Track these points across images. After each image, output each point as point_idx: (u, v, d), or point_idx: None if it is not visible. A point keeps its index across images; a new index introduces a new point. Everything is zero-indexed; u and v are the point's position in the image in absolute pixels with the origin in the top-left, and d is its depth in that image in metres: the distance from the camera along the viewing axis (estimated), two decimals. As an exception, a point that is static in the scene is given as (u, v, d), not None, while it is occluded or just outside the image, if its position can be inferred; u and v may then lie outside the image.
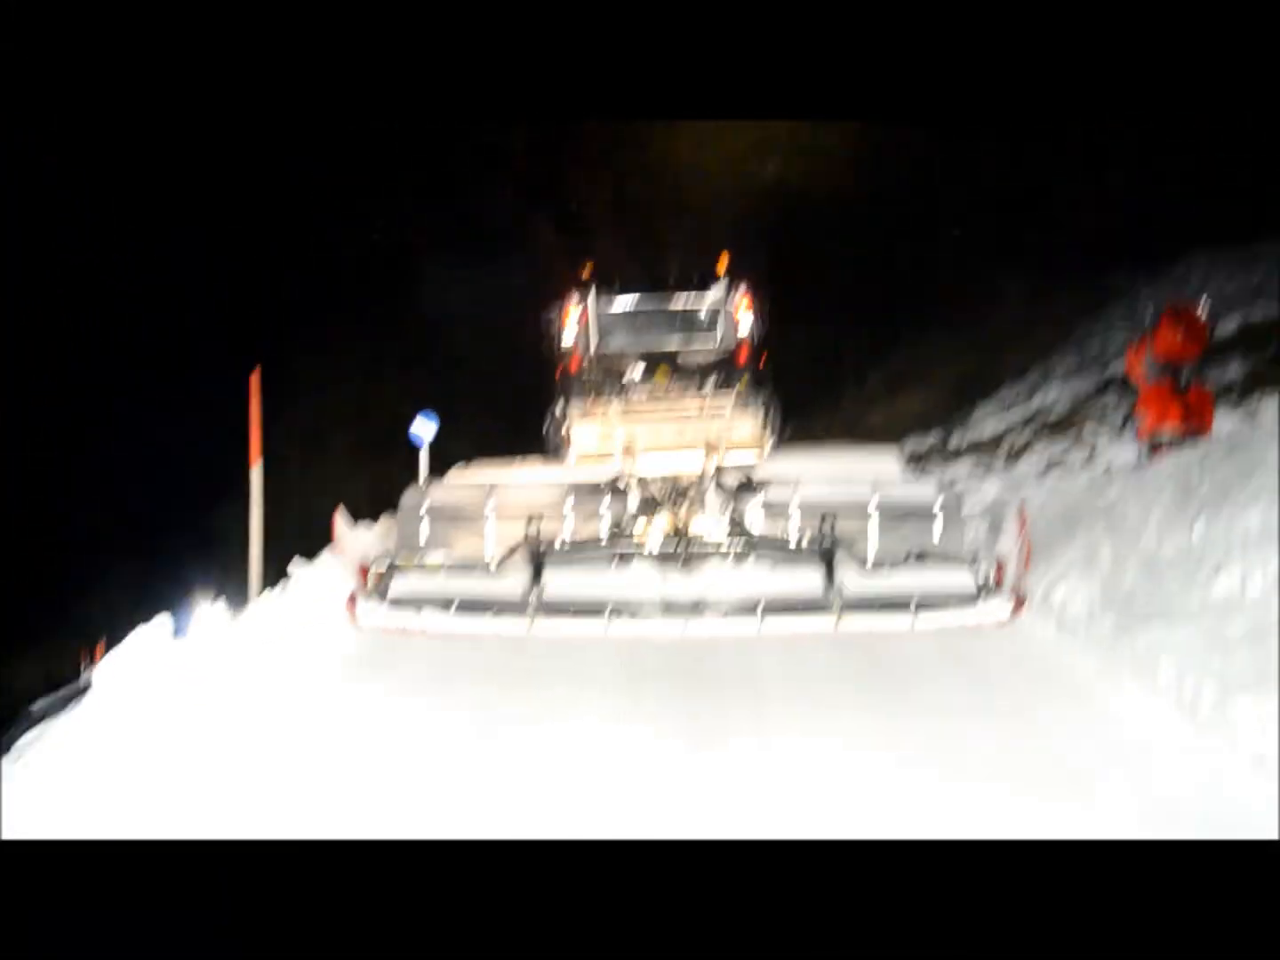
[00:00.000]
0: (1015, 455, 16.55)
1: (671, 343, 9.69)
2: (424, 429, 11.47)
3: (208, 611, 6.08)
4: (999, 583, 6.96)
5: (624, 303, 9.80)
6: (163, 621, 5.51)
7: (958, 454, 18.11)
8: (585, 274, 9.66)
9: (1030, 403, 18.00)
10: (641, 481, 8.18)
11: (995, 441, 17.71)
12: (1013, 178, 24.53)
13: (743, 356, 9.58)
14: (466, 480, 8.31)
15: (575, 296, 9.61)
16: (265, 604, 6.76)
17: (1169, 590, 5.02)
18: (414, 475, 11.27)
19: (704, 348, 9.63)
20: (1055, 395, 17.50)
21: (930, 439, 20.94)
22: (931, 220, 27.71)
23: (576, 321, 9.57)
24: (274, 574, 7.80)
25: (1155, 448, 9.80)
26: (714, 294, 9.75)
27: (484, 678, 5.85)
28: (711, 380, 9.45)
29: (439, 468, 9.99)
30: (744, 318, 9.71)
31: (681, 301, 9.79)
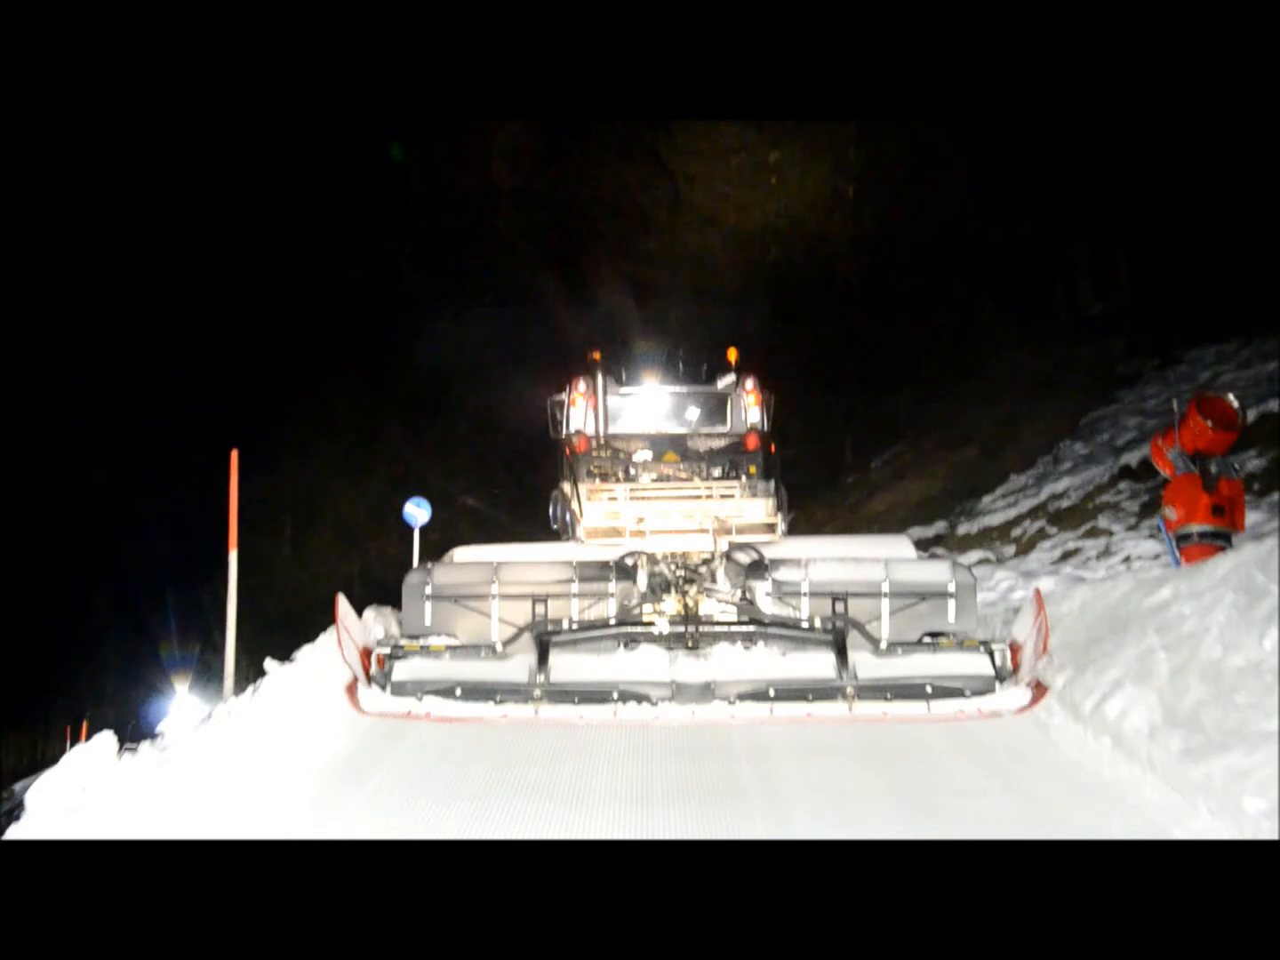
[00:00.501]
0: (1027, 545, 16.10)
1: (679, 430, 9.89)
2: (417, 513, 11.23)
3: (178, 713, 5.51)
4: (1015, 668, 6.88)
5: (632, 389, 10.04)
6: (104, 741, 4.99)
7: (966, 544, 17.64)
8: (593, 358, 9.80)
9: (1039, 492, 17.60)
10: (650, 560, 8.11)
11: (1004, 530, 17.28)
12: (1018, 264, 24.43)
13: (750, 445, 9.81)
14: (471, 559, 8.24)
15: (582, 381, 9.77)
16: (237, 707, 6.18)
17: (1240, 708, 4.55)
18: (407, 562, 10.99)
19: (711, 436, 9.84)
20: (1065, 484, 17.10)
21: (935, 528, 20.55)
22: (934, 306, 27.64)
23: (584, 405, 9.73)
24: (257, 665, 7.28)
25: (1183, 542, 9.33)
26: (722, 385, 9.99)
27: (481, 783, 5.38)
28: (720, 467, 9.69)
29: (433, 555, 9.73)
30: (751, 410, 9.94)
31: (690, 391, 10.06)
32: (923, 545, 20.13)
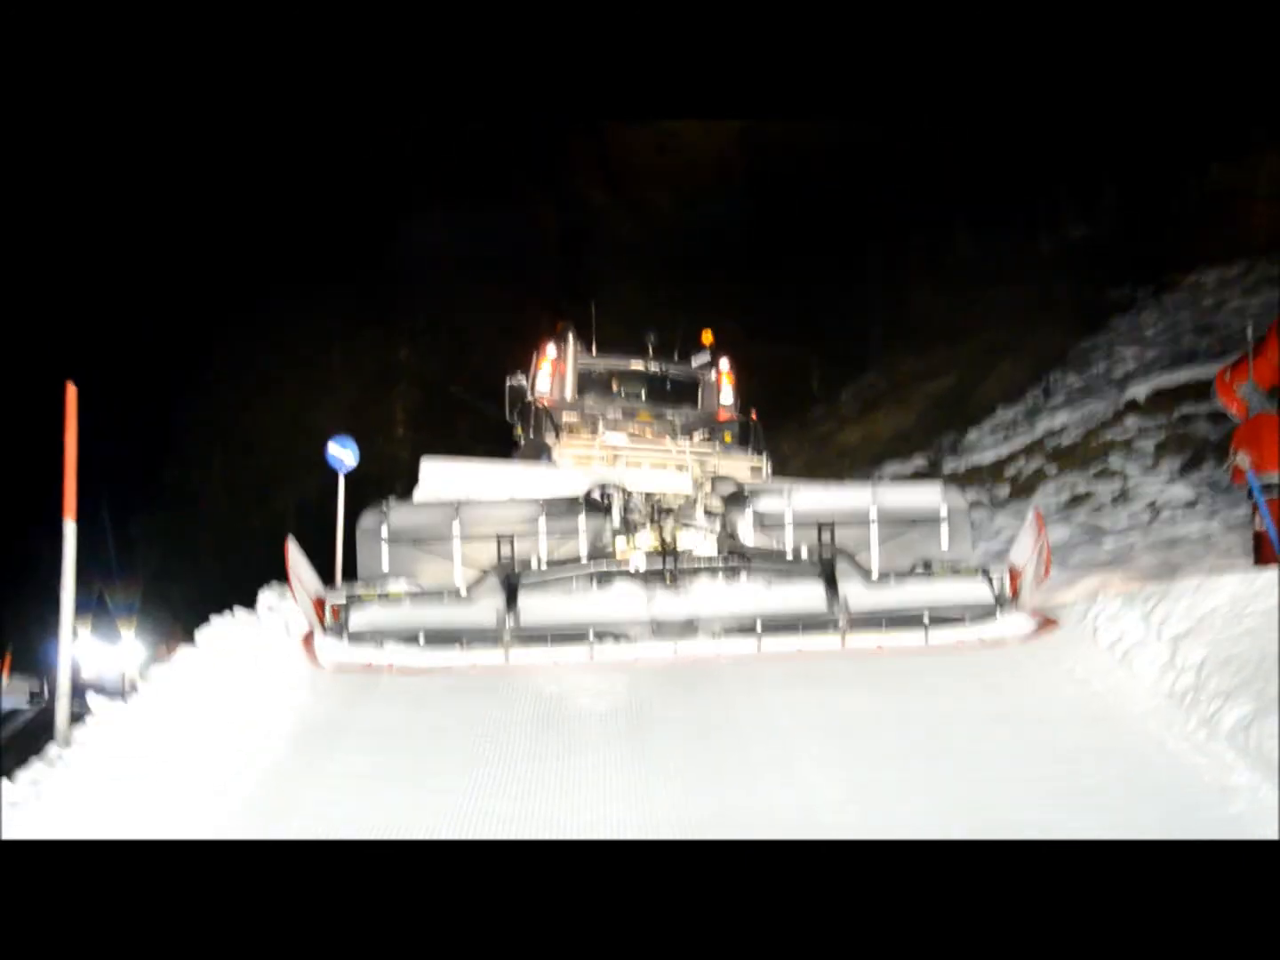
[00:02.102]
0: (1024, 487, 14.74)
1: (650, 407, 9.69)
2: (341, 454, 9.58)
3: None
4: (1014, 594, 6.51)
5: (603, 362, 9.93)
6: None
7: (955, 483, 16.24)
8: (559, 329, 9.65)
9: (1033, 427, 16.21)
10: (623, 494, 7.74)
11: (997, 470, 15.91)
12: (1000, 179, 22.86)
13: (721, 417, 9.63)
14: (439, 472, 7.86)
15: (551, 347, 9.57)
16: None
17: None
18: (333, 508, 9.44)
19: (682, 411, 9.62)
20: (1063, 420, 15.71)
21: (914, 464, 19.17)
22: (906, 225, 26.05)
23: (550, 373, 9.50)
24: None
25: (1266, 493, 7.91)
26: (696, 366, 9.87)
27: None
28: (696, 432, 9.34)
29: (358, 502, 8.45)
30: (725, 391, 9.79)
31: (662, 368, 9.92)
32: (904, 479, 18.80)
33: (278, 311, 29.32)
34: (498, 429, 10.65)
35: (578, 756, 4.25)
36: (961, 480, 16.27)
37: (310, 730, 4.70)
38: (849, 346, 24.40)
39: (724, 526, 7.42)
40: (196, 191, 25.84)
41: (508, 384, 9.93)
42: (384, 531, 6.92)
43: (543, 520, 7.01)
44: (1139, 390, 14.88)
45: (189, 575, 31.66)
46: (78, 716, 4.61)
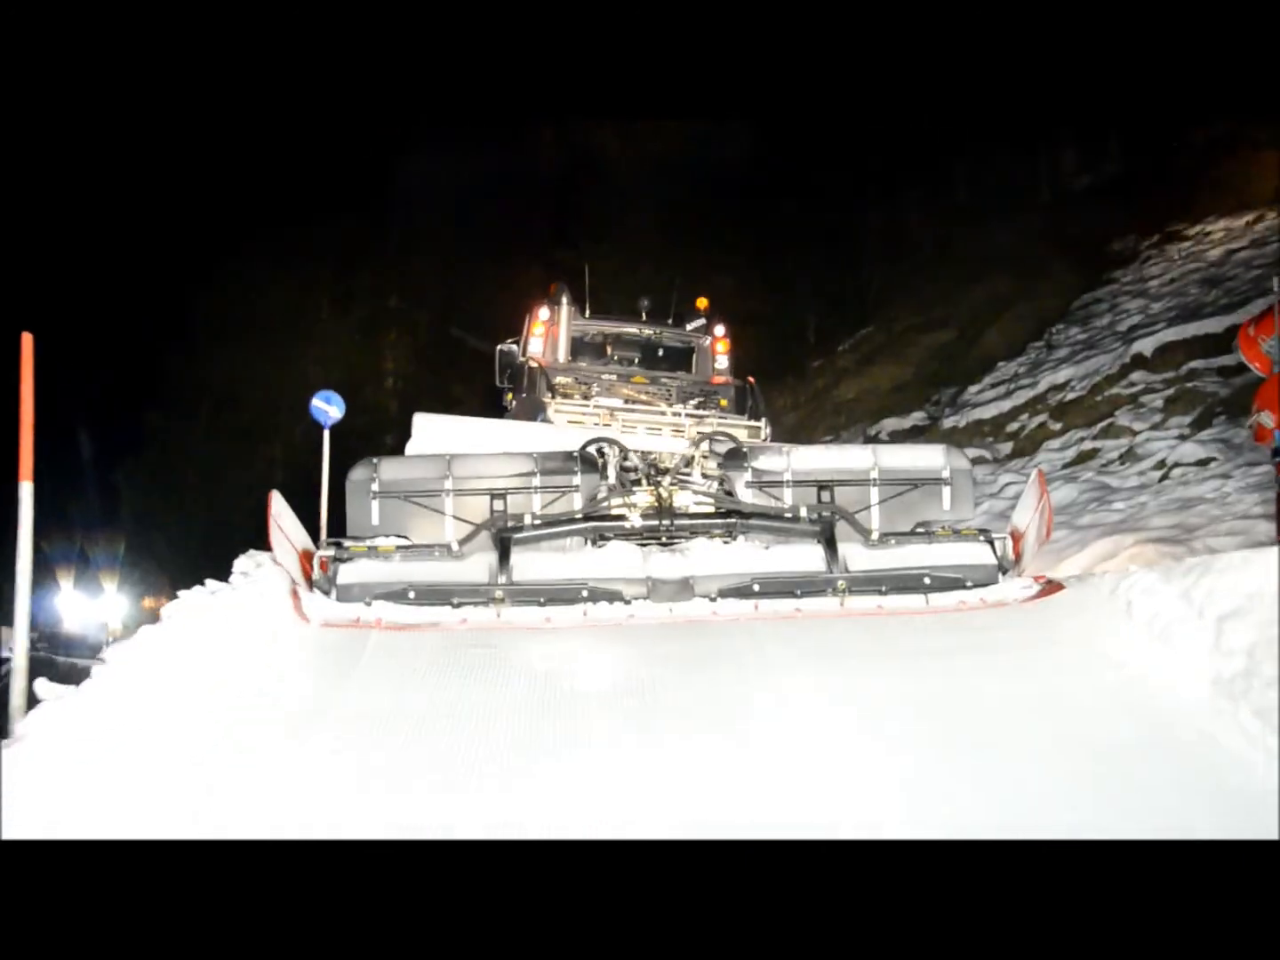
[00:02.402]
0: (1028, 443, 14.44)
1: (644, 368, 9.59)
2: (327, 409, 9.26)
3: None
4: (1017, 557, 6.42)
5: (597, 325, 9.82)
6: None
7: (955, 439, 15.93)
8: (552, 290, 9.50)
9: (1036, 382, 15.89)
10: (620, 450, 7.58)
11: (998, 425, 15.61)
12: (1000, 129, 22.35)
13: (715, 383, 9.54)
14: (432, 428, 7.76)
15: (544, 308, 9.46)
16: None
17: None
18: (317, 464, 9.13)
19: (677, 377, 9.53)
20: (1067, 375, 15.38)
21: (912, 419, 18.88)
22: (902, 178, 25.57)
23: (543, 335, 9.40)
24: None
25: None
26: (690, 330, 9.83)
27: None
28: (691, 398, 9.17)
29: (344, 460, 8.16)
30: (719, 359, 9.79)
31: (657, 333, 9.87)
32: (900, 438, 18.49)
33: (266, 256, 28.81)
34: (487, 391, 10.52)
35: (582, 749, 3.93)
36: (962, 436, 16.00)
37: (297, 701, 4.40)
38: (847, 298, 24.00)
39: (721, 485, 7.24)
40: (179, 133, 25.19)
41: (499, 350, 9.83)
42: (374, 485, 6.77)
43: (537, 476, 6.88)
44: (1145, 345, 14.54)
45: (174, 524, 31.36)
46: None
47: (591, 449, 7.32)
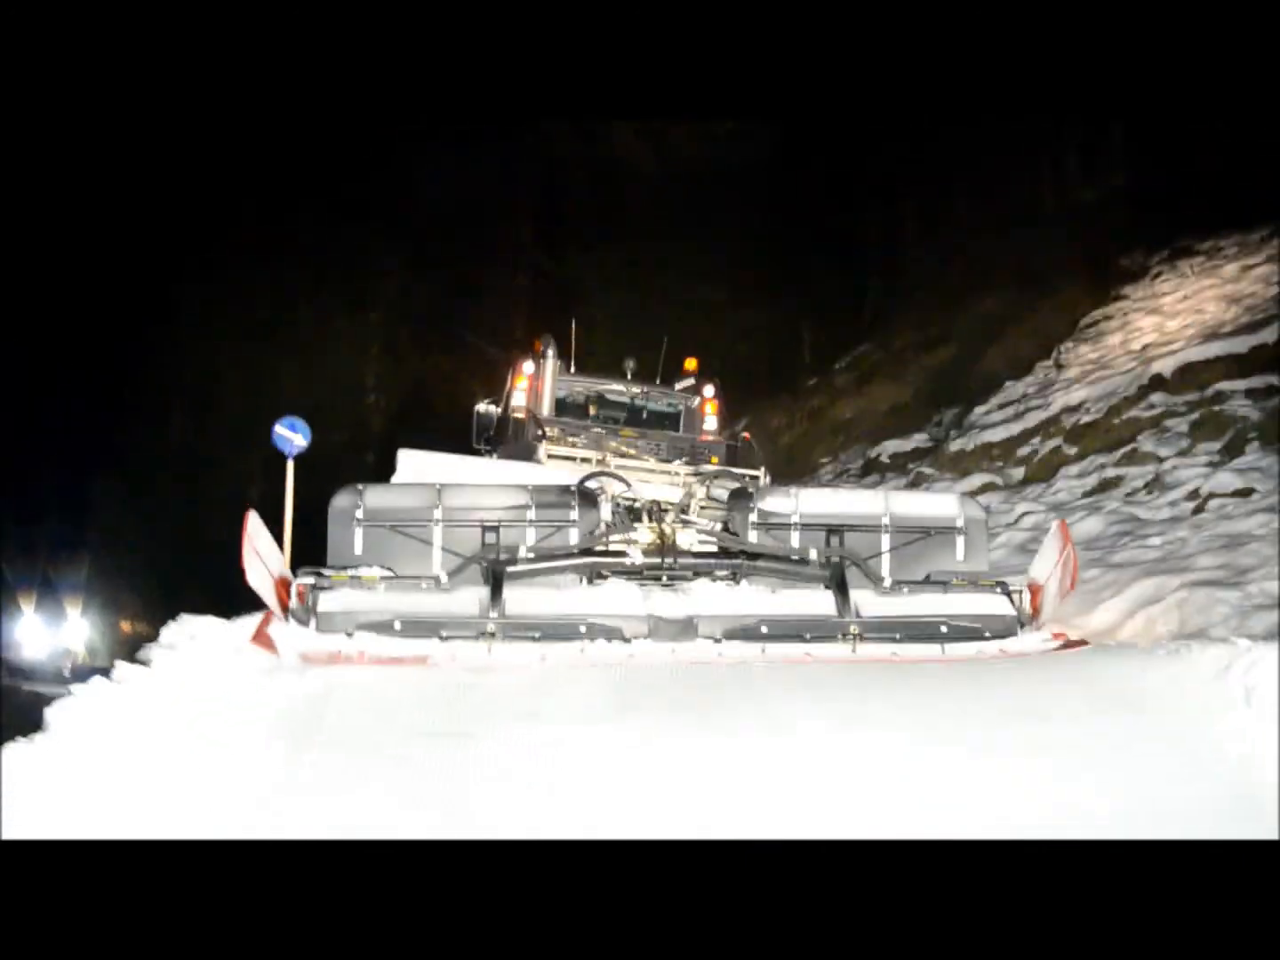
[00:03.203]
0: (1041, 469, 13.64)
1: (634, 428, 9.33)
2: (291, 437, 8.49)
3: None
4: (1035, 612, 6.20)
5: (583, 383, 9.64)
6: None
7: (962, 463, 15.16)
8: (536, 347, 9.22)
9: (1048, 403, 15.12)
10: (620, 486, 7.33)
11: (1008, 449, 14.81)
12: (1002, 139, 21.65)
13: (704, 439, 9.31)
14: (418, 464, 7.39)
15: (528, 363, 9.26)
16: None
17: None
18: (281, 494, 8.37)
19: (665, 434, 9.28)
20: (1082, 396, 14.61)
21: (914, 440, 18.09)
22: (901, 190, 24.85)
23: (527, 389, 9.17)
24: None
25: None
26: (679, 392, 9.70)
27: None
28: (681, 454, 8.78)
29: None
30: (709, 419, 9.60)
31: (644, 394, 9.70)
32: (902, 461, 17.72)
33: (243, 264, 27.94)
34: (465, 427, 10.11)
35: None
36: (970, 460, 15.21)
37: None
38: (843, 315, 23.22)
39: (726, 526, 6.89)
40: (155, 137, 24.38)
41: (476, 411, 9.65)
42: (359, 513, 6.47)
43: (532, 509, 6.55)
44: (1165, 365, 13.79)
45: (146, 541, 30.42)
46: None
47: (591, 484, 7.00)
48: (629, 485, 7.26)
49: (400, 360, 28.50)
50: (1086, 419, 13.93)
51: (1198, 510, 9.97)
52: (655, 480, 7.78)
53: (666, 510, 7.04)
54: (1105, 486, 11.79)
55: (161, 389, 30.30)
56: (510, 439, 8.77)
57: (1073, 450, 13.49)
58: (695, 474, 7.80)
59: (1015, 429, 15.08)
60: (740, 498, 6.87)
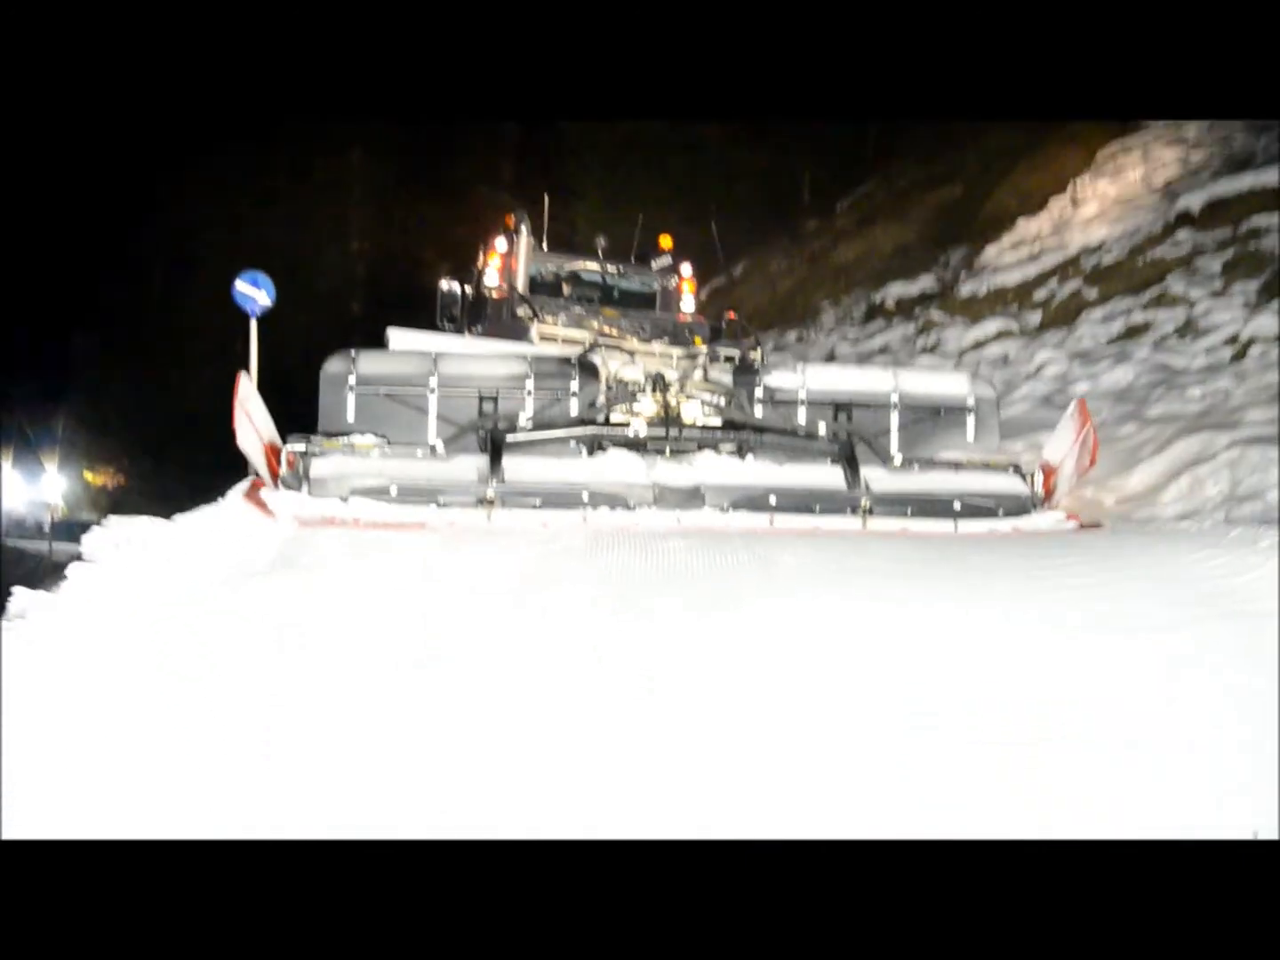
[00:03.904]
0: (1060, 313, 12.94)
1: (609, 307, 8.97)
2: (253, 293, 7.85)
3: None
4: (1047, 494, 6.13)
5: (558, 259, 9.41)
6: None
7: (974, 308, 14.43)
8: (509, 222, 8.99)
9: (1065, 243, 14.32)
10: (621, 353, 7.13)
11: (1024, 293, 14.08)
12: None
13: (682, 320, 9.01)
14: (408, 345, 7.07)
15: (500, 240, 8.95)
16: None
17: None
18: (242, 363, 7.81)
19: (644, 314, 8.92)
20: (1102, 235, 13.82)
21: (920, 284, 17.30)
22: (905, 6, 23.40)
23: (499, 268, 8.91)
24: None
25: None
26: (656, 269, 9.48)
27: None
28: (665, 333, 8.33)
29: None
30: (686, 298, 9.48)
31: (620, 272, 9.51)
32: (908, 305, 16.98)
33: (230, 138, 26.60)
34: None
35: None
36: (983, 305, 14.50)
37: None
38: (843, 151, 22.07)
39: (731, 400, 6.80)
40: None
41: (439, 288, 9.26)
42: (351, 378, 6.40)
43: (531, 379, 6.47)
44: (1192, 200, 12.97)
45: (123, 398, 29.80)
46: None
47: (591, 356, 6.83)
48: (632, 357, 7.02)
49: (386, 206, 27.39)
50: (1108, 259, 13.18)
51: (1237, 357, 9.36)
52: (653, 359, 7.41)
53: (669, 384, 6.82)
54: (1133, 332, 11.13)
55: (145, 246, 29.18)
56: (490, 318, 8.49)
57: (1094, 293, 12.77)
58: (689, 355, 7.45)
59: (1031, 271, 14.32)
60: (746, 372, 6.80)
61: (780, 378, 6.75)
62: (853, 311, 18.12)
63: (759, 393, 6.71)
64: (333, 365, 6.49)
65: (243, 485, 5.57)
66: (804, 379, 6.72)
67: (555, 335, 7.63)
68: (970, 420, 6.65)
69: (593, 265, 9.40)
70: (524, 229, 8.86)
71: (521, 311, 8.06)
